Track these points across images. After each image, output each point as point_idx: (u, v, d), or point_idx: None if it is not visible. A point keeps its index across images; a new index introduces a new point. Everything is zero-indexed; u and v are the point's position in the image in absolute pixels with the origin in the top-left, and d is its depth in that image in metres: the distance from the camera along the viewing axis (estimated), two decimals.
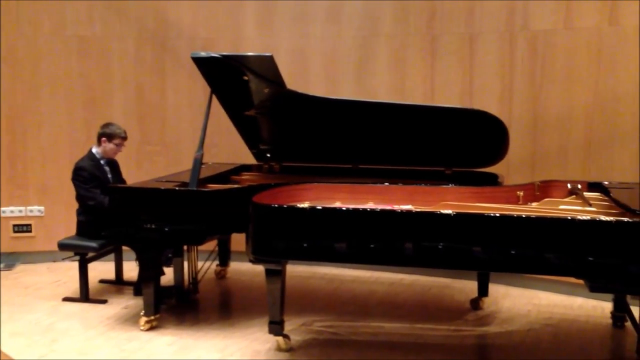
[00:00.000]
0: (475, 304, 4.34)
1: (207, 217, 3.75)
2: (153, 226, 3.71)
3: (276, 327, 3.52)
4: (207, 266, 4.59)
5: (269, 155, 4.62)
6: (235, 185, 4.23)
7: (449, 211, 3.12)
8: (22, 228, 5.45)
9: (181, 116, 5.51)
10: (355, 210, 3.26)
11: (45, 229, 5.45)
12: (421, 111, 4.15)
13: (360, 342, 3.77)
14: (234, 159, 4.98)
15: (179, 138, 5.50)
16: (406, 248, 3.13)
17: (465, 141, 4.14)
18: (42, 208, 5.46)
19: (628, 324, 3.87)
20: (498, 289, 4.69)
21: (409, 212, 3.26)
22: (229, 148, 5.21)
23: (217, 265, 5.02)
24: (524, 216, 3.04)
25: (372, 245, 3.18)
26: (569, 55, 4.53)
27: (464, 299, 4.49)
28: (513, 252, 2.99)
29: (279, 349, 3.57)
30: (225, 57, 3.90)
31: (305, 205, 3.46)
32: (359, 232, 3.20)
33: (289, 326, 3.87)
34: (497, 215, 3.07)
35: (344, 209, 3.30)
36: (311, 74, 5.29)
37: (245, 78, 3.99)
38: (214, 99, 4.13)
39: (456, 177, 4.24)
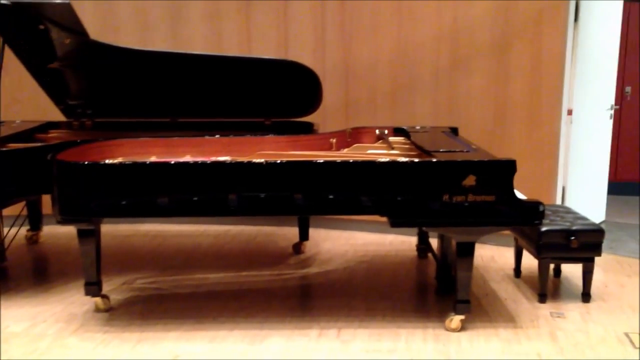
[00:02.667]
0: (297, 248, 4.55)
1: (6, 180, 3.47)
2: None
3: (93, 289, 3.40)
4: (15, 231, 4.27)
5: (79, 110, 4.35)
6: (39, 144, 3.94)
7: (261, 160, 3.19)
8: None
9: None
10: (166, 163, 3.20)
11: None
12: (236, 62, 4.15)
13: (183, 294, 3.79)
14: (42, 117, 4.62)
15: None
16: (222, 198, 3.15)
17: (281, 92, 4.22)
18: None
19: (429, 254, 4.33)
20: (319, 233, 4.95)
21: (221, 162, 3.28)
22: (35, 104, 4.81)
23: (27, 230, 4.69)
24: (325, 161, 3.18)
25: (185, 197, 3.15)
26: (373, 6, 4.76)
27: (287, 244, 4.68)
28: (323, 195, 3.14)
29: (97, 310, 3.47)
30: (16, 5, 3.56)
31: (116, 160, 3.33)
32: (172, 185, 3.15)
33: (109, 286, 3.78)
34: (304, 161, 3.20)
35: (154, 162, 3.24)
36: (121, 23, 5.02)
37: (42, 27, 3.68)
38: (9, 51, 3.78)
39: (276, 127, 4.34)
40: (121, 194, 3.13)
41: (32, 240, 4.71)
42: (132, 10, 5.02)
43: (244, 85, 4.18)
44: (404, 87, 4.79)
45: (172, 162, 3.19)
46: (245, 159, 3.37)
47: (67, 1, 3.51)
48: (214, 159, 3.57)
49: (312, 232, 4.71)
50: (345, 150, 3.92)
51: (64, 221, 3.23)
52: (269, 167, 3.15)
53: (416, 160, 3.18)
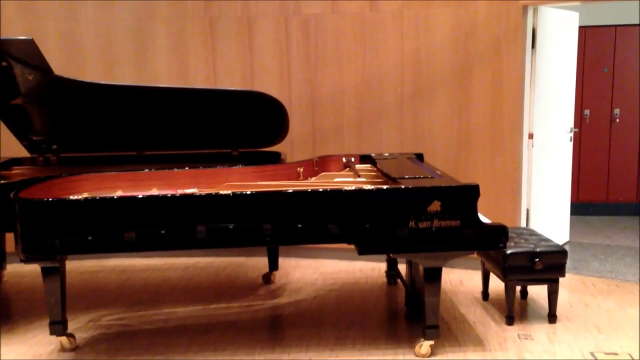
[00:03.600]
0: (267, 278, 4.54)
1: None
2: None
3: (58, 327, 3.33)
4: None
5: (43, 146, 4.30)
6: (1, 182, 3.87)
7: (227, 192, 3.20)
8: None
9: None
10: (132, 197, 3.19)
11: None
12: (202, 94, 4.19)
13: (151, 330, 3.73)
14: (5, 153, 4.56)
15: None
16: (189, 231, 3.14)
17: (248, 122, 4.25)
18: None
19: (398, 280, 4.36)
20: (289, 262, 4.94)
21: (188, 195, 3.27)
22: None
23: None
24: (293, 191, 3.22)
25: (152, 231, 3.13)
26: (338, 38, 4.86)
27: (257, 275, 4.66)
28: (291, 224, 3.16)
29: (62, 349, 3.40)
30: None
31: (80, 197, 3.30)
32: (139, 219, 3.13)
33: (75, 324, 3.71)
34: (271, 191, 3.23)
35: (120, 197, 3.22)
36: (86, 58, 5.02)
37: (4, 64, 3.66)
38: None
39: (243, 157, 4.35)
40: (86, 230, 3.10)
41: None
42: (96, 45, 5.02)
43: (211, 117, 4.20)
44: (370, 115, 4.87)
45: (139, 196, 3.17)
46: (212, 191, 3.37)
47: (29, 38, 3.50)
48: (181, 191, 3.56)
49: (282, 261, 4.71)
50: (313, 179, 3.95)
51: (27, 259, 3.17)
52: (236, 199, 3.16)
53: (382, 187, 3.22)
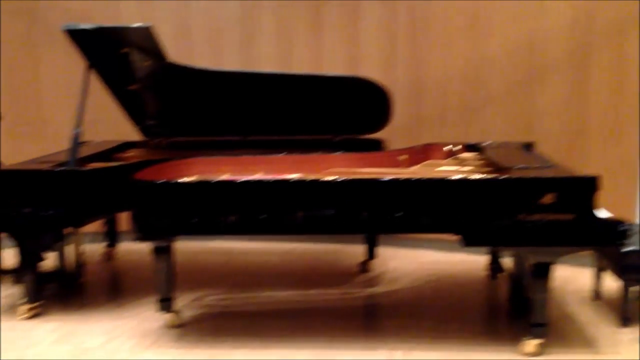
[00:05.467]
0: (364, 267, 4.51)
1: (86, 198, 3.60)
2: (28, 210, 3.51)
3: (166, 305, 3.47)
4: (93, 248, 4.44)
5: (155, 130, 4.49)
6: (117, 163, 4.07)
7: (334, 177, 3.18)
8: None
9: (58, 93, 5.21)
10: (239, 181, 3.24)
11: None
12: (306, 80, 4.19)
13: (251, 312, 3.80)
14: (120, 136, 4.79)
15: (57, 116, 5.20)
16: (296, 216, 3.16)
17: (351, 108, 4.22)
18: None
19: (501, 274, 4.19)
20: (386, 251, 4.87)
21: (296, 180, 3.28)
22: (113, 124, 4.97)
23: (105, 247, 4.86)
24: (397, 178, 3.14)
25: (262, 216, 3.18)
26: (446, 21, 4.71)
27: (353, 263, 4.64)
28: (395, 213, 3.10)
29: (169, 326, 3.54)
30: (99, 29, 3.73)
31: (190, 179, 3.41)
32: (247, 203, 3.19)
33: (180, 302, 3.83)
34: (379, 179, 3.17)
35: (228, 180, 3.29)
36: (195, 45, 5.17)
37: (124, 51, 3.83)
38: (93, 74, 3.94)
39: (344, 144, 4.33)
40: (197, 212, 3.18)
41: (108, 256, 4.87)
42: (205, 32, 5.17)
43: (314, 103, 4.21)
44: (476, 101, 4.71)
45: (258, 180, 3.22)
46: (319, 176, 3.37)
47: (148, 25, 3.64)
48: (284, 176, 3.59)
49: (379, 250, 4.65)
50: (416, 167, 3.86)
51: (141, 238, 3.31)
52: (341, 185, 3.14)
53: (491, 176, 3.09)
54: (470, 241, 3.08)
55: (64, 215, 3.57)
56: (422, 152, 4.11)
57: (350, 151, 4.04)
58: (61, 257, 4.16)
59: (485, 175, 3.25)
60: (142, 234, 3.28)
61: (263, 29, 5.10)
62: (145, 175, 3.39)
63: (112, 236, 4.88)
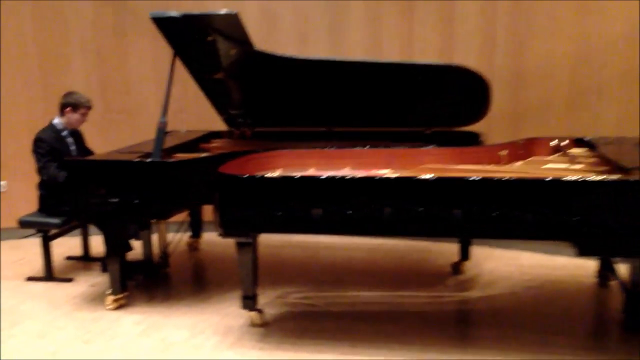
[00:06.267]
0: (457, 267, 4.21)
1: (173, 190, 3.52)
2: (115, 200, 3.48)
3: (249, 302, 3.35)
4: (178, 238, 4.40)
5: (239, 120, 4.38)
6: (203, 154, 3.98)
7: (429, 175, 2.92)
8: None
9: (146, 81, 5.22)
10: (326, 177, 3.05)
11: (7, 205, 5.20)
12: (398, 68, 3.93)
13: (337, 313, 3.62)
14: (204, 125, 4.73)
15: (144, 104, 5.23)
16: (386, 216, 2.93)
17: (445, 99, 3.94)
18: (4, 183, 5.21)
19: (613, 282, 3.78)
20: (480, 251, 4.55)
21: (386, 178, 3.05)
22: (198, 113, 4.95)
23: (189, 237, 4.82)
24: (511, 179, 2.83)
25: (349, 214, 2.97)
26: (551, 4, 4.30)
27: (444, 263, 4.35)
28: (501, 217, 2.80)
29: (252, 324, 3.42)
30: (186, 17, 3.61)
31: (275, 174, 3.25)
32: (334, 201, 2.99)
33: (263, 299, 3.70)
34: (482, 179, 2.87)
35: (314, 176, 3.10)
36: (282, 33, 5.02)
37: (210, 39, 3.71)
38: (179, 63, 3.86)
39: (436, 137, 4.05)
40: (282, 208, 3.02)
41: (193, 247, 4.84)
42: (291, 19, 5.00)
43: (405, 92, 3.95)
44: (585, 92, 4.29)
45: (346, 176, 3.02)
46: (412, 173, 3.12)
47: (234, 12, 3.50)
48: (374, 172, 3.36)
49: (473, 249, 4.33)
50: (519, 164, 3.52)
51: (225, 234, 3.19)
52: (440, 184, 2.87)
53: (615, 178, 2.72)
54: (585, 251, 2.74)
55: (149, 206, 3.51)
56: (525, 147, 3.76)
57: (443, 145, 3.76)
58: (147, 247, 4.14)
59: (608, 176, 2.87)
60: (225, 230, 3.16)
61: (352, 15, 4.87)
62: (230, 168, 3.27)
63: (196, 227, 4.84)
